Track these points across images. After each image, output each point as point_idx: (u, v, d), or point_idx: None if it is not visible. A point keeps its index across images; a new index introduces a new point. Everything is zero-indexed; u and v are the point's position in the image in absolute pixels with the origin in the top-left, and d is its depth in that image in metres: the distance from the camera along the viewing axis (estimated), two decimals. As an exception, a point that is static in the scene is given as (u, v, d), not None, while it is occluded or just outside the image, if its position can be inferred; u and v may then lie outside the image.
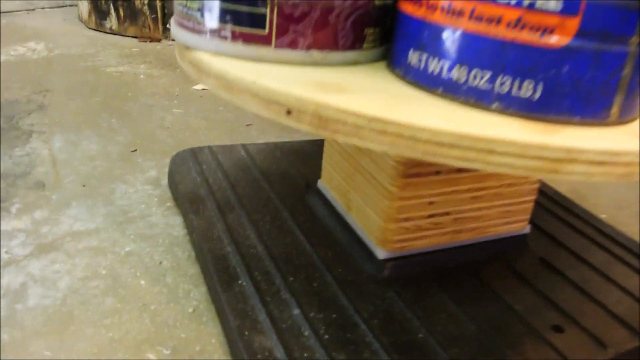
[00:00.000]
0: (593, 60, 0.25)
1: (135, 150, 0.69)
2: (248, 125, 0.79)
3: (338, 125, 0.27)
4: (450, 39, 0.27)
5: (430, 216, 0.42)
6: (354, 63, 0.33)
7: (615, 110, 0.27)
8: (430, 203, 0.41)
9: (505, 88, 0.26)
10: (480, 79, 0.27)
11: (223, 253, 0.45)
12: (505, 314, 0.39)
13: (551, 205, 0.54)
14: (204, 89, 0.92)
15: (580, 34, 0.25)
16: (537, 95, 0.26)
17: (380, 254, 0.42)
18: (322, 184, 0.53)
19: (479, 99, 0.27)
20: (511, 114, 0.27)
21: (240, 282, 0.41)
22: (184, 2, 0.33)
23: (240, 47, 0.32)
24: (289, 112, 0.28)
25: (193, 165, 0.59)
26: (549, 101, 0.26)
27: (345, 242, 0.46)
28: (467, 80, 0.27)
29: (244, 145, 0.64)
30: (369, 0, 0.32)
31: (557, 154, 0.24)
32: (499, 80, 0.26)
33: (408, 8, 0.30)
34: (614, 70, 0.26)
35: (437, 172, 0.40)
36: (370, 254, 0.43)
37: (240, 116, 0.82)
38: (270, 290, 0.41)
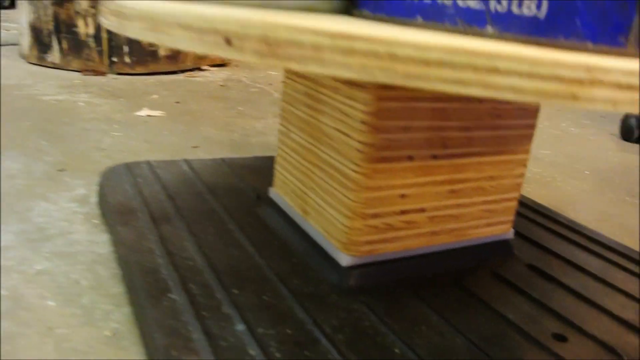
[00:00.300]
0: (608, -32, 0.20)
1: (63, 169, 0.61)
2: (194, 147, 0.72)
3: (292, 48, 0.21)
4: (430, -48, 0.22)
5: (403, 212, 0.35)
6: (310, 9, 0.28)
7: (634, 35, 0.22)
8: (402, 196, 0.35)
9: (503, 6, 0.21)
10: (470, -3, 0.22)
11: (153, 266, 0.37)
12: (497, 323, 0.32)
13: (533, 215, 0.48)
14: (149, 115, 0.84)
15: None
16: (542, 13, 0.21)
17: (344, 260, 0.35)
18: (274, 191, 0.46)
19: (469, 22, 0.22)
20: (510, 39, 0.21)
21: (171, 295, 0.33)
22: None
23: (171, -18, 0.26)
24: (228, 42, 0.22)
25: (127, 179, 0.51)
26: (556, 21, 0.21)
27: (303, 252, 0.39)
28: (453, 2, 0.22)
29: (187, 161, 0.57)
30: None
31: (577, 74, 0.19)
32: (493, -4, 0.21)
33: None
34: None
35: (410, 158, 0.34)
36: (332, 262, 0.36)
37: (186, 139, 0.75)
38: (208, 304, 0.33)
